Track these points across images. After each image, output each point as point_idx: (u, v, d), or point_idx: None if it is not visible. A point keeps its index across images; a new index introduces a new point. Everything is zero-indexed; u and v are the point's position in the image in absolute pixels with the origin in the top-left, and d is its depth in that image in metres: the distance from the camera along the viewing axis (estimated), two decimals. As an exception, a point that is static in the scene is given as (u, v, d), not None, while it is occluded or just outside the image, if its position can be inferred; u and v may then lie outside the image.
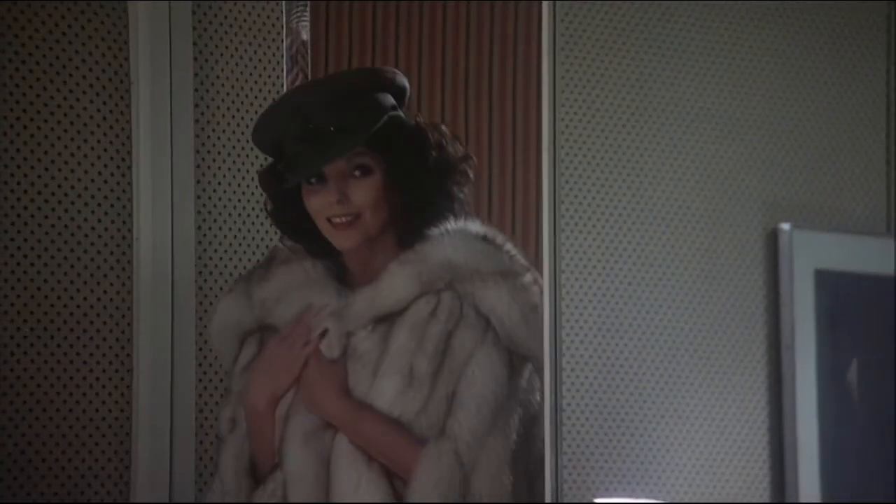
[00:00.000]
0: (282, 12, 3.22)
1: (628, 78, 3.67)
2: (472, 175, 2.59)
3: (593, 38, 3.76)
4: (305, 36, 3.44)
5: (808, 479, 3.33)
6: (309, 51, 3.50)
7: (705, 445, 3.44)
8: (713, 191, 3.60)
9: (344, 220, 2.48)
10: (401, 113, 2.55)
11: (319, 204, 2.48)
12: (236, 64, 3.25)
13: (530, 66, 3.68)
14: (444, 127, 2.59)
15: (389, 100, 2.54)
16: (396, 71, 2.61)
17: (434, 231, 2.57)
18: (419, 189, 2.53)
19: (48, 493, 3.07)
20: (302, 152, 2.47)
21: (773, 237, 3.50)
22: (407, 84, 2.61)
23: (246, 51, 3.25)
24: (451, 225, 2.58)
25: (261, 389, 2.45)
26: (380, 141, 2.50)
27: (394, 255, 2.51)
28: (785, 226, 3.46)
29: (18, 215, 3.08)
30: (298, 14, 3.40)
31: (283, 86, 3.29)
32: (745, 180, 3.65)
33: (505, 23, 3.63)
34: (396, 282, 2.47)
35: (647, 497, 3.31)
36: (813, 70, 3.84)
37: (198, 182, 3.18)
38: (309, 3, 3.44)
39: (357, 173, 2.48)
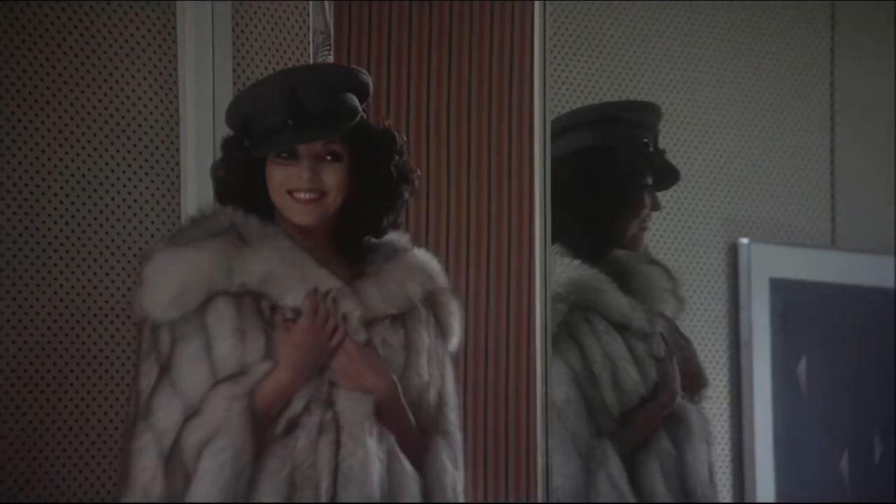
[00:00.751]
0: (309, 46, 3.40)
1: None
2: (415, 187, 2.65)
3: (569, 78, 3.84)
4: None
5: (763, 453, 3.60)
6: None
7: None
8: (681, 209, 3.80)
9: (310, 196, 2.51)
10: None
11: (286, 176, 2.50)
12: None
13: (524, 66, 3.61)
14: (404, 136, 2.66)
15: (357, 101, 2.61)
16: (370, 77, 2.69)
17: (393, 235, 2.62)
18: (381, 185, 2.59)
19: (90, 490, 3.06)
20: (283, 128, 2.51)
21: (733, 250, 3.73)
22: (372, 91, 2.70)
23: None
24: (406, 239, 2.64)
25: (307, 365, 2.42)
26: (352, 135, 2.55)
27: (327, 243, 2.55)
28: (743, 240, 3.71)
29: (61, 202, 3.06)
30: (324, 55, 3.57)
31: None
32: (708, 200, 3.87)
33: (503, 22, 3.62)
34: (412, 284, 2.55)
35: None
36: (768, 107, 4.03)
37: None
38: (332, 42, 3.54)
39: (329, 158, 2.52)
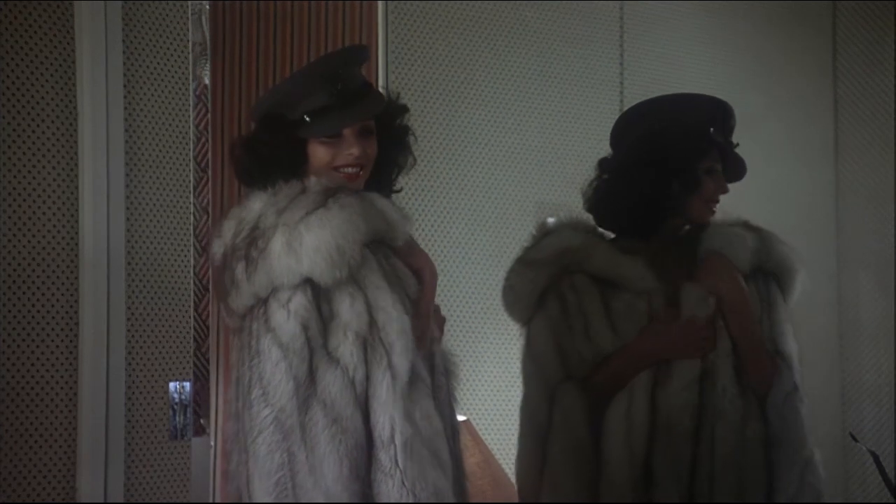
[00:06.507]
0: (189, 63, 3.67)
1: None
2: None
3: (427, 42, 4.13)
4: (207, 81, 3.87)
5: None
6: (209, 92, 3.89)
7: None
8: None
9: (354, 171, 2.59)
10: None
11: (333, 154, 2.58)
12: (156, 101, 3.64)
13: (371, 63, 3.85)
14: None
15: None
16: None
17: None
18: (401, 154, 2.73)
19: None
20: (331, 109, 2.57)
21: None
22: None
23: (162, 94, 3.64)
24: None
25: None
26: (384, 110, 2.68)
27: None
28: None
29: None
30: (202, 65, 3.85)
31: (189, 121, 3.67)
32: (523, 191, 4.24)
33: (353, 21, 3.88)
34: None
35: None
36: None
37: (127, 187, 3.57)
38: (210, 58, 3.84)
39: (365, 133, 2.63)
